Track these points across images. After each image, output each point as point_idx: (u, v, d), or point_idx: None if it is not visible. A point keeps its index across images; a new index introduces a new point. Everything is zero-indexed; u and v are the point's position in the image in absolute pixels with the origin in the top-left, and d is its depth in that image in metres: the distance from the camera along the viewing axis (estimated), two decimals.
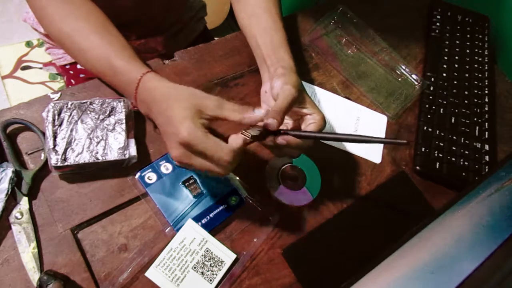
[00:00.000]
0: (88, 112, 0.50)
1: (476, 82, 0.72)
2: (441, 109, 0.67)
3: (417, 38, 0.77)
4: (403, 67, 0.70)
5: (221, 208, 0.51)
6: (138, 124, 0.53)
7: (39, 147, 0.50)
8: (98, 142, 0.48)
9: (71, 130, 0.48)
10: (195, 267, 0.46)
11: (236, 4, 0.60)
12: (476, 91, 0.71)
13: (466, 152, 0.63)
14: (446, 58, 0.74)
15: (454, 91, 0.70)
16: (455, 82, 0.71)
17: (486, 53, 0.76)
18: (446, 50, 0.75)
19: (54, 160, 0.46)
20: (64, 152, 0.47)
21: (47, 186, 0.48)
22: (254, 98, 0.59)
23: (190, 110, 0.41)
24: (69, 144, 0.47)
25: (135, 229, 0.48)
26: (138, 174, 0.50)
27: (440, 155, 0.62)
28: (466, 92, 0.70)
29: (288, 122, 0.50)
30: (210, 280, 0.46)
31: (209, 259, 0.47)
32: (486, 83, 0.72)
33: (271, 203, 0.53)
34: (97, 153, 0.48)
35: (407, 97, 0.67)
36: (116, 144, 0.49)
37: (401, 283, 0.32)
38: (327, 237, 0.53)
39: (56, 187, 0.48)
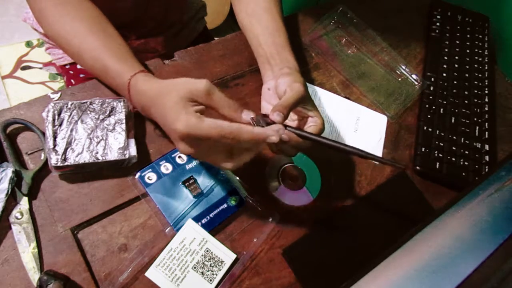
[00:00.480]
0: (88, 112, 0.50)
1: (476, 82, 0.72)
2: (441, 109, 0.67)
3: (417, 38, 0.77)
4: (403, 67, 0.70)
5: (221, 208, 0.51)
6: (138, 124, 0.53)
7: (39, 147, 0.50)
8: (98, 142, 0.48)
9: (71, 130, 0.48)
10: (195, 267, 0.46)
11: (237, 4, 0.60)
12: (476, 91, 0.71)
13: (466, 152, 0.63)
14: (446, 58, 0.74)
15: (454, 91, 0.70)
16: (455, 82, 0.71)
17: (486, 53, 0.76)
18: (446, 50, 0.75)
19: (54, 160, 0.46)
20: (64, 152, 0.47)
21: (47, 186, 0.48)
22: (254, 98, 0.59)
23: (181, 102, 0.40)
24: (69, 144, 0.47)
25: (135, 229, 0.48)
26: (138, 174, 0.50)
27: (440, 155, 0.62)
28: (466, 92, 0.70)
29: (288, 121, 0.50)
30: (210, 280, 0.46)
31: (209, 259, 0.47)
32: (486, 83, 0.72)
33: (271, 203, 0.53)
34: (97, 153, 0.48)
35: (407, 97, 0.67)
36: (116, 144, 0.49)
37: (401, 283, 0.32)
38: (327, 237, 0.53)
39: (56, 187, 0.48)
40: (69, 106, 0.49)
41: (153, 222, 0.49)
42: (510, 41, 0.85)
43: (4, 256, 0.44)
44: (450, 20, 0.80)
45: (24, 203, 0.46)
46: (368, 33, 0.71)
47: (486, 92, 0.71)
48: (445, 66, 0.73)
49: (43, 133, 0.48)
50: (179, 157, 0.52)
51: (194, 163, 0.52)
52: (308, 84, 0.64)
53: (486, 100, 0.70)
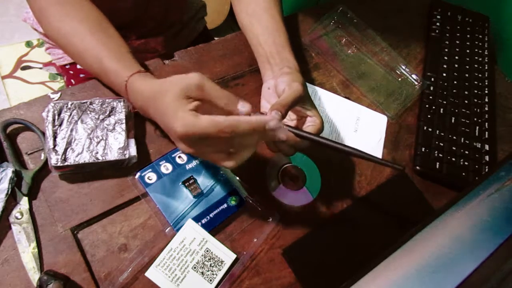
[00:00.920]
0: (88, 112, 0.50)
1: (476, 82, 0.72)
2: (441, 109, 0.67)
3: (417, 38, 0.77)
4: (403, 67, 0.70)
5: (221, 208, 0.51)
6: (138, 124, 0.53)
7: (39, 147, 0.50)
8: (98, 142, 0.48)
9: (71, 130, 0.48)
10: (195, 267, 0.46)
11: (237, 4, 0.60)
12: (476, 91, 0.71)
13: (466, 152, 0.63)
14: (446, 58, 0.74)
15: (454, 91, 0.70)
16: (455, 82, 0.71)
17: (486, 53, 0.76)
18: (446, 50, 0.75)
19: (54, 160, 0.46)
20: (64, 152, 0.47)
21: (47, 186, 0.48)
22: (254, 98, 0.59)
23: (176, 101, 0.40)
24: (69, 144, 0.47)
25: (135, 229, 0.48)
26: (138, 174, 0.50)
27: (440, 155, 0.62)
28: (466, 92, 0.70)
29: (287, 121, 0.50)
30: (210, 280, 0.46)
31: (209, 259, 0.47)
32: (486, 83, 0.72)
33: (271, 203, 0.53)
34: (97, 153, 0.48)
35: (407, 97, 0.67)
36: (116, 144, 0.49)
37: (401, 283, 0.32)
38: (327, 237, 0.53)
39: (56, 187, 0.48)
40: (69, 106, 0.49)
41: (153, 222, 0.49)
42: (510, 41, 0.85)
43: (4, 256, 0.44)
44: (450, 20, 0.80)
45: (24, 203, 0.46)
46: (368, 33, 0.71)
47: (486, 92, 0.71)
48: (445, 66, 0.73)
49: (43, 133, 0.48)
50: (179, 157, 0.52)
51: (194, 163, 0.52)
52: (308, 84, 0.64)
53: (486, 100, 0.70)
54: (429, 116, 0.66)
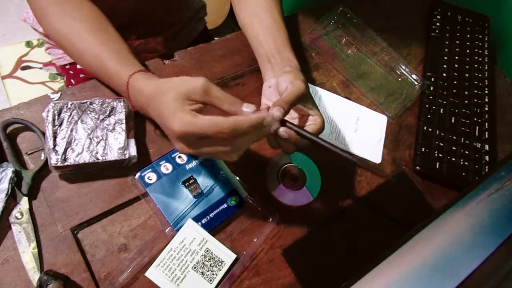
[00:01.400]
0: (88, 112, 0.50)
1: (476, 82, 0.72)
2: (441, 109, 0.67)
3: (417, 38, 0.77)
4: (403, 67, 0.70)
5: (221, 208, 0.51)
6: (138, 124, 0.53)
7: (39, 147, 0.50)
8: (98, 142, 0.48)
9: (71, 130, 0.48)
10: (195, 267, 0.46)
11: (237, 4, 0.60)
12: (476, 91, 0.71)
13: (466, 152, 0.63)
14: (446, 58, 0.74)
15: (454, 91, 0.70)
16: (455, 82, 0.71)
17: (486, 53, 0.76)
18: (446, 50, 0.75)
19: (54, 160, 0.46)
20: (64, 152, 0.47)
21: (47, 186, 0.48)
22: (255, 98, 0.59)
23: (177, 100, 0.40)
24: (69, 144, 0.47)
25: (135, 229, 0.48)
26: (138, 174, 0.50)
27: (440, 155, 0.62)
28: (466, 92, 0.70)
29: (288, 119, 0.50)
30: (210, 280, 0.46)
31: (209, 259, 0.47)
32: (486, 83, 0.72)
33: (271, 203, 0.53)
34: (97, 153, 0.48)
35: (407, 97, 0.67)
36: (116, 144, 0.49)
37: (401, 283, 0.32)
38: (327, 237, 0.53)
39: (56, 187, 0.48)
40: (69, 106, 0.49)
41: (153, 222, 0.49)
42: (510, 41, 0.85)
43: (4, 256, 0.44)
44: (450, 20, 0.80)
45: (24, 203, 0.46)
46: (368, 33, 0.71)
47: (486, 92, 0.71)
48: (445, 66, 0.73)
49: (43, 133, 0.48)
50: (179, 157, 0.52)
51: (194, 163, 0.52)
52: (308, 84, 0.64)
53: (486, 100, 0.70)
54: (429, 116, 0.66)
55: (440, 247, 0.34)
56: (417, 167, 0.61)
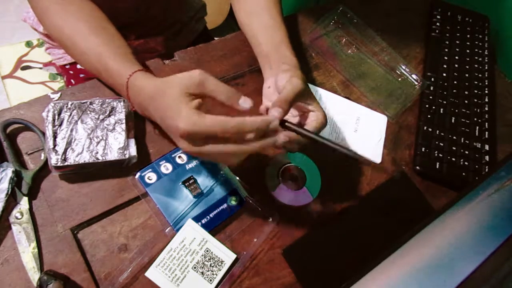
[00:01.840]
0: (88, 112, 0.50)
1: (476, 82, 0.72)
2: (441, 109, 0.67)
3: (417, 38, 0.77)
4: (403, 67, 0.70)
5: (221, 208, 0.51)
6: (138, 124, 0.53)
7: (39, 147, 0.50)
8: (98, 142, 0.48)
9: (71, 130, 0.48)
10: (195, 267, 0.46)
11: (236, 3, 0.60)
12: (476, 91, 0.71)
13: (466, 152, 0.63)
14: (446, 58, 0.74)
15: (454, 91, 0.70)
16: (455, 82, 0.71)
17: (486, 53, 0.76)
18: (446, 50, 0.75)
19: (54, 160, 0.46)
20: (64, 152, 0.47)
21: (47, 186, 0.48)
22: (255, 98, 0.58)
23: (180, 99, 0.40)
24: (69, 144, 0.47)
25: (135, 229, 0.48)
26: (138, 174, 0.50)
27: (440, 155, 0.62)
28: (466, 92, 0.70)
29: (289, 117, 0.50)
30: (210, 280, 0.46)
31: (209, 259, 0.47)
32: (486, 83, 0.72)
33: (271, 203, 0.53)
34: (97, 153, 0.48)
35: (407, 97, 0.67)
36: (116, 144, 0.49)
37: (401, 283, 0.32)
38: (327, 237, 0.53)
39: (56, 187, 0.48)
40: (69, 106, 0.49)
41: (153, 222, 0.49)
42: (510, 41, 0.85)
43: (4, 256, 0.44)
44: (450, 20, 0.80)
45: (24, 203, 0.46)
46: (368, 33, 0.71)
47: (486, 92, 0.71)
48: (445, 66, 0.73)
49: (43, 133, 0.48)
50: (179, 157, 0.52)
51: (194, 163, 0.52)
52: (308, 84, 0.64)
53: (486, 100, 0.70)
54: (429, 116, 0.66)
55: (440, 247, 0.34)
56: (417, 167, 0.61)
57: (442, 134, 0.64)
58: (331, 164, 0.58)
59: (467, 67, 0.74)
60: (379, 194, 0.57)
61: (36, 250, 0.44)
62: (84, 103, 0.50)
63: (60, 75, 1.15)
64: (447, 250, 0.34)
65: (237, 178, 0.52)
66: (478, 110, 0.69)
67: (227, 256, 0.47)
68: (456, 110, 0.68)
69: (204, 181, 0.52)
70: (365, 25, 0.72)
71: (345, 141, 0.61)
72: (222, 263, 0.47)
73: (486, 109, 0.69)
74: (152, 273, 0.45)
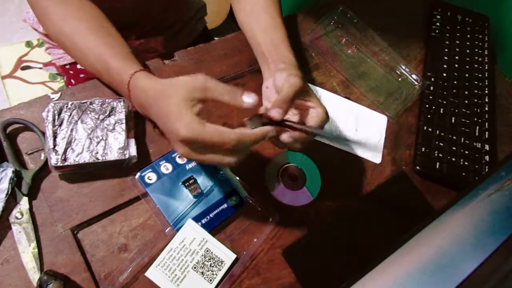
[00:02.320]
0: (88, 112, 0.50)
1: (476, 82, 0.72)
2: (441, 109, 0.67)
3: (417, 38, 0.77)
4: (403, 67, 0.70)
5: (221, 208, 0.51)
6: (138, 124, 0.53)
7: (39, 147, 0.50)
8: (98, 142, 0.48)
9: (71, 130, 0.48)
10: (195, 267, 0.46)
11: (236, 4, 0.60)
12: (476, 91, 0.71)
13: (466, 152, 0.63)
14: (446, 58, 0.74)
15: (454, 91, 0.70)
16: (455, 82, 0.71)
17: (486, 53, 0.76)
18: (446, 50, 0.75)
19: (54, 160, 0.46)
20: (64, 152, 0.47)
21: (47, 186, 0.48)
22: None
23: (182, 103, 0.40)
24: (69, 144, 0.47)
25: (135, 229, 0.48)
26: (138, 174, 0.50)
27: (440, 155, 0.62)
28: (466, 92, 0.70)
29: (289, 116, 0.50)
30: (210, 280, 0.46)
31: (209, 259, 0.47)
32: (486, 83, 0.72)
33: (271, 203, 0.53)
34: (97, 153, 0.48)
35: (407, 97, 0.67)
36: (116, 144, 0.49)
37: (401, 283, 0.32)
38: (327, 237, 0.53)
39: (56, 187, 0.48)
40: (69, 106, 0.49)
41: (153, 222, 0.49)
42: (510, 41, 0.85)
43: (4, 256, 0.44)
44: (450, 20, 0.80)
45: (24, 203, 0.46)
46: (368, 33, 0.71)
47: (486, 92, 0.71)
48: (445, 66, 0.73)
49: (43, 133, 0.48)
50: (179, 157, 0.52)
51: (194, 163, 0.52)
52: (308, 84, 0.64)
53: (486, 100, 0.70)
54: (429, 116, 0.66)
55: (440, 247, 0.34)
56: (417, 167, 0.61)
57: (442, 134, 0.64)
58: (331, 164, 0.58)
59: (467, 67, 0.74)
60: (379, 194, 0.57)
61: (36, 250, 0.44)
62: (84, 103, 0.50)
63: (60, 75, 1.15)
64: (447, 250, 0.34)
65: (237, 178, 0.52)
66: (478, 110, 0.69)
67: (227, 256, 0.47)
68: (456, 110, 0.68)
69: (204, 181, 0.52)
70: (365, 25, 0.72)
71: (345, 142, 0.61)
72: (222, 263, 0.47)
73: (486, 109, 0.69)
74: (152, 273, 0.45)
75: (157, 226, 0.48)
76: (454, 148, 0.63)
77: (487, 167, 0.63)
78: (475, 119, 0.67)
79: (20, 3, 1.59)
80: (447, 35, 0.77)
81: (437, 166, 0.61)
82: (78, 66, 0.76)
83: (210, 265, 0.47)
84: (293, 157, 0.57)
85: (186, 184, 0.51)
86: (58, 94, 0.54)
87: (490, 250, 0.33)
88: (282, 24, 0.55)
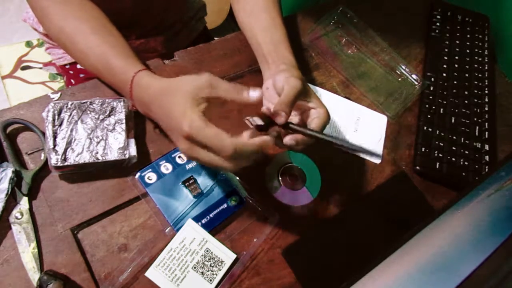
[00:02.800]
0: (88, 112, 0.50)
1: (476, 82, 0.72)
2: (441, 109, 0.67)
3: (417, 38, 0.77)
4: (403, 67, 0.70)
5: (221, 208, 0.51)
6: (138, 124, 0.53)
7: (39, 147, 0.50)
8: (98, 142, 0.48)
9: (71, 130, 0.48)
10: (195, 267, 0.46)
11: (236, 4, 0.60)
12: (476, 91, 0.71)
13: (466, 152, 0.63)
14: (446, 58, 0.74)
15: (454, 91, 0.70)
16: (455, 82, 0.71)
17: (486, 53, 0.76)
18: (446, 50, 0.75)
19: (54, 160, 0.46)
20: (64, 152, 0.47)
21: (47, 186, 0.48)
22: None
23: (187, 101, 0.40)
24: (69, 144, 0.47)
25: (135, 229, 0.48)
26: (138, 174, 0.50)
27: (440, 155, 0.62)
28: (466, 92, 0.70)
29: (291, 118, 0.50)
30: (210, 280, 0.46)
31: (209, 259, 0.47)
32: (486, 83, 0.72)
33: (271, 203, 0.53)
34: (97, 153, 0.48)
35: (407, 97, 0.67)
36: (116, 144, 0.49)
37: (400, 283, 0.32)
38: (327, 237, 0.53)
39: (56, 187, 0.48)
40: (69, 106, 0.49)
41: (153, 222, 0.49)
42: (510, 41, 0.85)
43: (4, 256, 0.44)
44: (450, 20, 0.80)
45: (24, 203, 0.46)
46: (368, 33, 0.71)
47: (486, 92, 0.71)
48: (445, 66, 0.73)
49: (43, 133, 0.48)
50: (179, 157, 0.52)
51: (194, 163, 0.52)
52: (308, 84, 0.64)
53: (486, 100, 0.70)
54: (429, 116, 0.66)
55: (440, 247, 0.34)
56: (417, 167, 0.61)
57: (442, 134, 0.64)
58: (331, 164, 0.58)
59: (467, 67, 0.74)
60: (379, 194, 0.57)
61: (36, 250, 0.44)
62: (84, 103, 0.50)
63: (60, 75, 1.15)
64: (447, 250, 0.34)
65: (237, 178, 0.52)
66: (478, 110, 0.69)
67: (227, 256, 0.47)
68: (456, 110, 0.68)
69: (204, 181, 0.52)
70: (365, 25, 0.72)
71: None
72: (222, 263, 0.47)
73: (486, 109, 0.69)
74: (152, 273, 0.45)
75: (157, 226, 0.48)
76: (454, 148, 0.63)
77: (487, 167, 0.63)
78: (475, 119, 0.67)
79: (20, 3, 1.59)
80: (447, 35, 0.77)
81: (437, 166, 0.61)
82: (78, 66, 0.76)
83: (210, 265, 0.47)
84: (293, 157, 0.57)
85: (186, 184, 0.51)
86: (58, 94, 0.54)
87: (490, 250, 0.33)
88: (282, 24, 0.56)
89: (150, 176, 0.50)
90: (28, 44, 1.27)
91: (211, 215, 0.50)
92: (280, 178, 0.55)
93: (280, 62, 0.50)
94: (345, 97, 0.65)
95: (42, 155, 0.49)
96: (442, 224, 0.36)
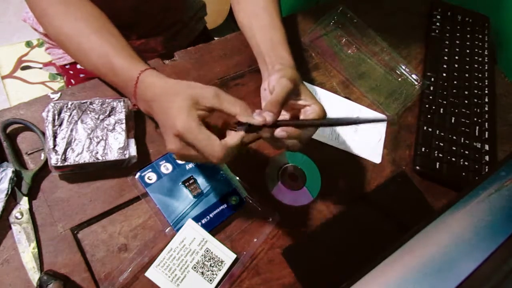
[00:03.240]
0: (88, 112, 0.50)
1: (476, 82, 0.72)
2: (441, 109, 0.67)
3: (417, 38, 0.77)
4: (403, 67, 0.70)
5: (221, 208, 0.51)
6: (138, 124, 0.53)
7: (39, 147, 0.50)
8: (98, 142, 0.48)
9: (71, 130, 0.48)
10: (195, 267, 0.46)
11: (236, 4, 0.60)
12: (476, 91, 0.71)
13: (466, 152, 0.63)
14: (446, 58, 0.74)
15: (454, 91, 0.70)
16: (455, 82, 0.71)
17: (486, 53, 0.76)
18: (446, 50, 0.75)
19: (54, 160, 0.46)
20: (64, 152, 0.47)
21: (47, 186, 0.48)
22: (254, 98, 0.59)
23: (186, 102, 0.40)
24: (69, 144, 0.47)
25: (135, 229, 0.48)
26: (138, 174, 0.50)
27: (440, 155, 0.62)
28: (466, 92, 0.70)
29: (286, 117, 0.49)
30: (210, 280, 0.46)
31: (209, 259, 0.47)
32: (486, 83, 0.72)
33: (271, 203, 0.53)
34: (97, 153, 0.48)
35: (407, 97, 0.67)
36: (116, 144, 0.49)
37: (400, 283, 0.32)
38: (327, 237, 0.53)
39: (56, 187, 0.48)
40: (69, 106, 0.49)
41: (153, 222, 0.49)
42: (510, 41, 0.85)
43: (4, 256, 0.44)
44: (450, 20, 0.80)
45: (24, 203, 0.46)
46: (368, 33, 0.71)
47: (486, 92, 0.71)
48: (445, 66, 0.73)
49: (43, 133, 0.48)
50: None
51: (194, 163, 0.52)
52: (308, 84, 0.64)
53: (486, 100, 0.70)
54: (429, 116, 0.66)
55: (440, 247, 0.34)
56: (417, 167, 0.61)
57: (442, 134, 0.64)
58: (331, 164, 0.58)
59: (467, 67, 0.74)
60: (379, 194, 0.57)
61: (36, 250, 0.44)
62: (84, 103, 0.50)
63: (60, 75, 1.15)
64: (447, 250, 0.34)
65: (237, 178, 0.52)
66: (478, 110, 0.69)
67: (227, 256, 0.47)
68: (456, 110, 0.68)
69: (204, 181, 0.52)
70: (365, 25, 0.72)
71: (345, 142, 0.61)
72: (222, 263, 0.47)
73: (486, 109, 0.69)
74: (152, 273, 0.45)
75: (157, 226, 0.48)
76: (454, 148, 0.63)
77: (487, 167, 0.63)
78: (475, 119, 0.67)
79: (20, 3, 1.58)
80: (447, 35, 0.77)
81: (437, 166, 0.61)
82: (78, 66, 0.76)
83: (210, 265, 0.47)
84: (293, 157, 0.57)
85: (186, 184, 0.51)
86: (58, 94, 0.54)
87: (490, 250, 0.33)
88: (281, 25, 0.55)
89: (150, 176, 0.50)
90: (28, 44, 1.27)
91: (211, 215, 0.50)
92: (280, 178, 0.55)
93: (277, 62, 0.50)
94: (345, 97, 0.65)
95: (42, 155, 0.49)
96: (442, 224, 0.36)
